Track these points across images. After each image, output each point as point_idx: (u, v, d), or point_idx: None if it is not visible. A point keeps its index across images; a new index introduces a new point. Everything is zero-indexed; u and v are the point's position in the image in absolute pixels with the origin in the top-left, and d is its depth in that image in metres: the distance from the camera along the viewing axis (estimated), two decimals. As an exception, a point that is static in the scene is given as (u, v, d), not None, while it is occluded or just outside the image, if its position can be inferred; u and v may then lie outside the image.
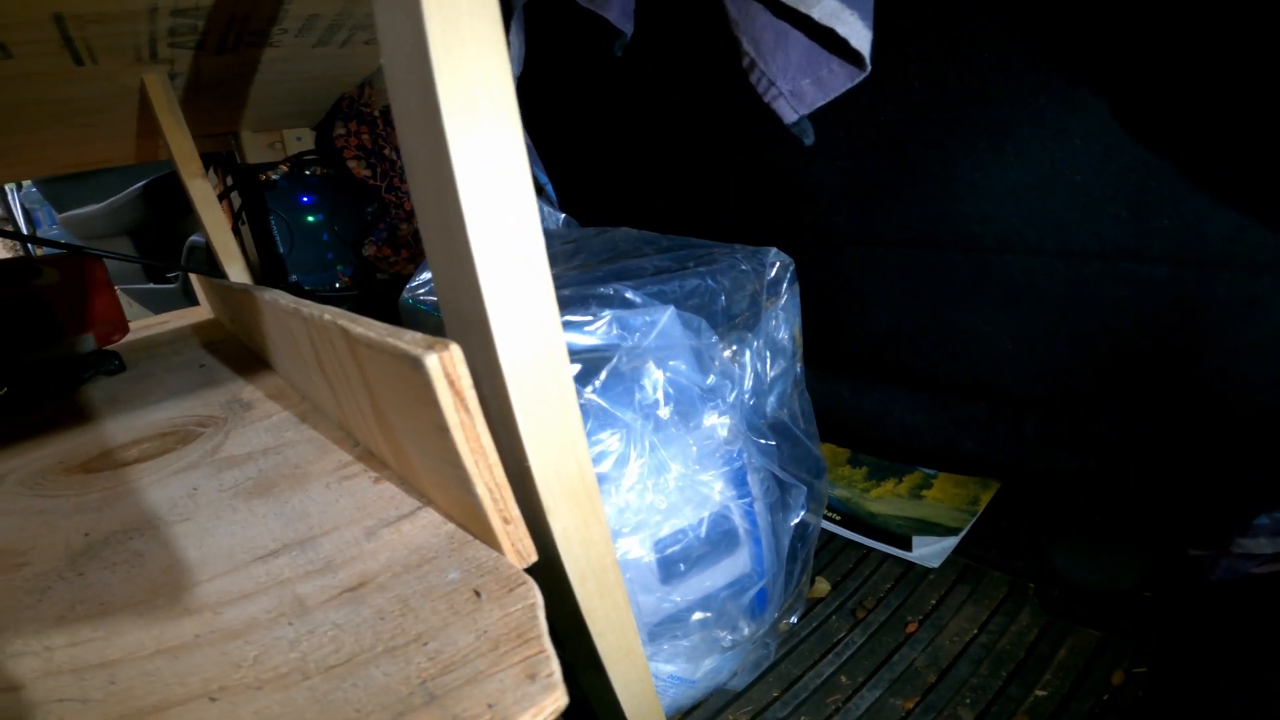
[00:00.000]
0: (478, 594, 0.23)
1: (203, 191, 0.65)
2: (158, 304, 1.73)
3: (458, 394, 0.21)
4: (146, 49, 0.55)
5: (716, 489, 0.43)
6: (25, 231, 2.47)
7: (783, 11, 0.41)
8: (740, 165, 0.64)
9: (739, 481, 0.44)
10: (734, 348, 0.45)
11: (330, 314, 0.29)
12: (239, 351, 0.67)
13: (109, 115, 0.74)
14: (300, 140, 1.04)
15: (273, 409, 0.45)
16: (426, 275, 0.56)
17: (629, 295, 0.41)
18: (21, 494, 0.37)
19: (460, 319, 0.26)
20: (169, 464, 0.38)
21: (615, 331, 0.40)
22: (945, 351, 0.61)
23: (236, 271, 0.69)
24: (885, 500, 0.69)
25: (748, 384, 0.45)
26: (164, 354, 0.72)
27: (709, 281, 0.44)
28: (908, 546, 0.62)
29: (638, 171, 0.75)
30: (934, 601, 0.56)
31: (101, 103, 0.69)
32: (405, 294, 0.54)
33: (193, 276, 1.06)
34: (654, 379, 0.40)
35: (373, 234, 0.93)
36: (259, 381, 0.53)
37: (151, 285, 1.68)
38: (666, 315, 0.40)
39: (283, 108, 0.90)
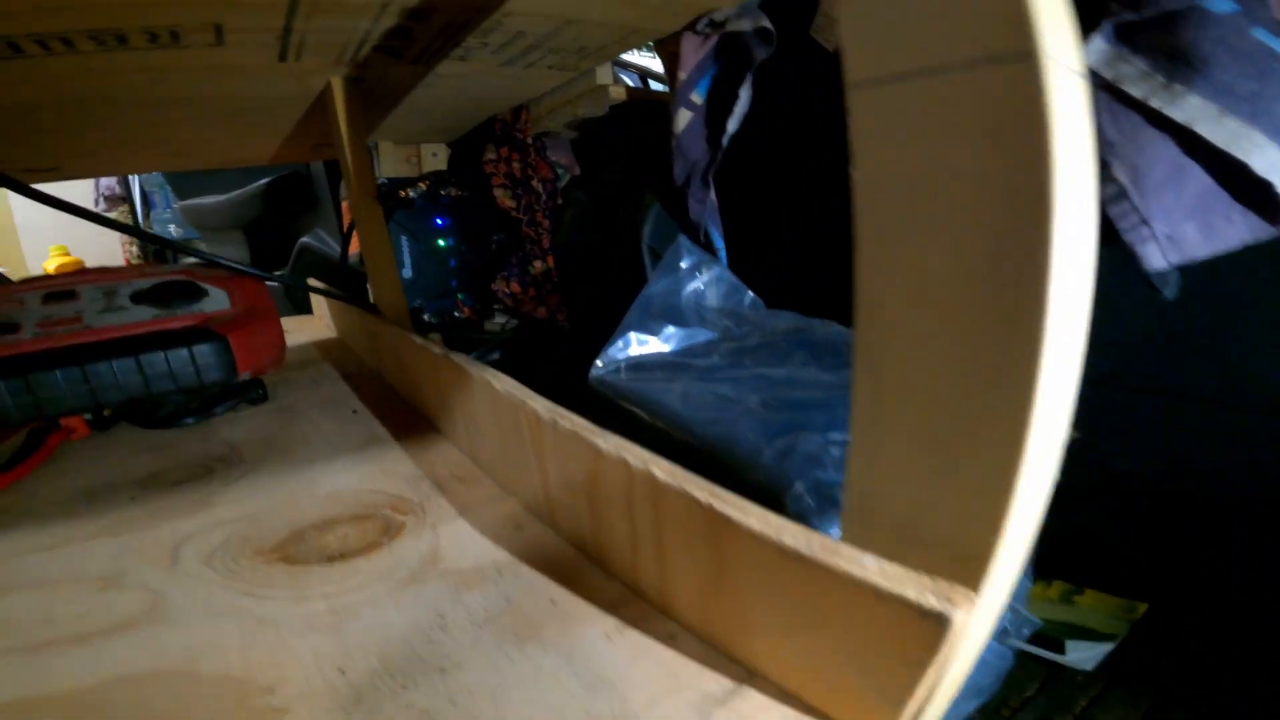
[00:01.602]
0: None
1: (372, 215, 0.61)
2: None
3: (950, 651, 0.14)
4: (352, 49, 0.51)
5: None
6: (140, 211, 2.58)
7: (1197, 148, 0.34)
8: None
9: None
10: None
11: (665, 472, 0.24)
12: (383, 392, 0.63)
13: (277, 115, 0.72)
14: (436, 157, 1.02)
15: (470, 497, 0.40)
16: (638, 352, 0.50)
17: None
18: (216, 582, 0.31)
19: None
20: (386, 570, 0.32)
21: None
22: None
23: (386, 305, 0.64)
24: (1036, 604, 0.66)
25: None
26: (301, 382, 0.68)
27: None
28: (1060, 649, 0.59)
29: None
30: (1084, 703, 0.54)
31: (277, 103, 0.66)
32: (600, 371, 0.47)
33: (317, 291, 1.03)
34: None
35: (505, 269, 0.89)
36: (432, 449, 0.48)
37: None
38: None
39: (432, 123, 0.88)
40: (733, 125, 0.53)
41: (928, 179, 0.17)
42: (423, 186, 0.91)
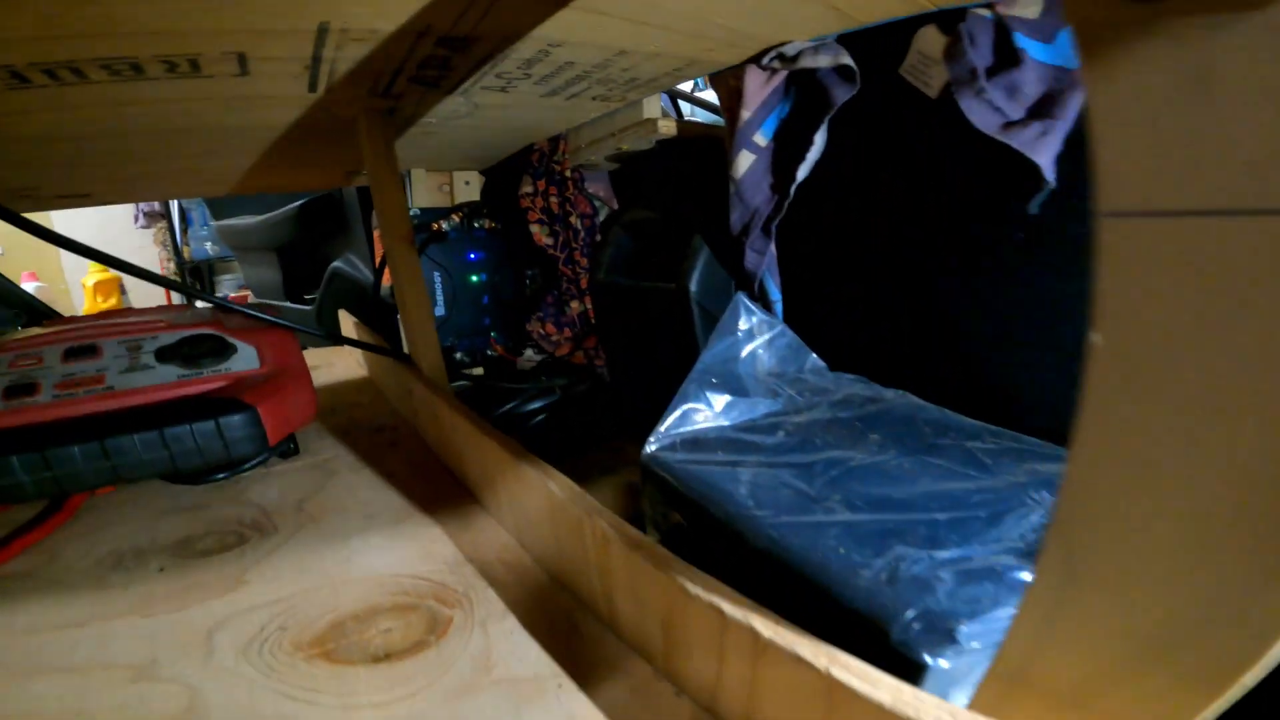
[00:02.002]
0: None
1: (407, 260, 0.56)
2: (292, 322, 1.73)
3: None
4: (387, 79, 0.47)
5: None
6: (178, 228, 2.62)
7: None
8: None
9: None
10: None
11: (770, 628, 0.22)
12: (418, 450, 0.58)
13: (310, 145, 0.68)
14: (469, 184, 0.98)
15: (520, 589, 0.36)
16: (695, 426, 0.44)
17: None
18: (255, 680, 0.29)
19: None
20: (436, 675, 0.30)
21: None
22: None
23: (420, 356, 0.59)
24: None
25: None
26: (333, 431, 0.64)
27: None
28: None
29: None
30: None
31: (309, 133, 0.63)
32: (655, 448, 0.42)
33: (353, 325, 1.00)
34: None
35: (540, 308, 0.84)
36: (474, 526, 0.44)
37: (289, 304, 1.69)
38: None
39: (467, 151, 0.84)
40: (803, 172, 0.47)
41: (1195, 343, 0.14)
42: (456, 218, 0.88)
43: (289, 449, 0.60)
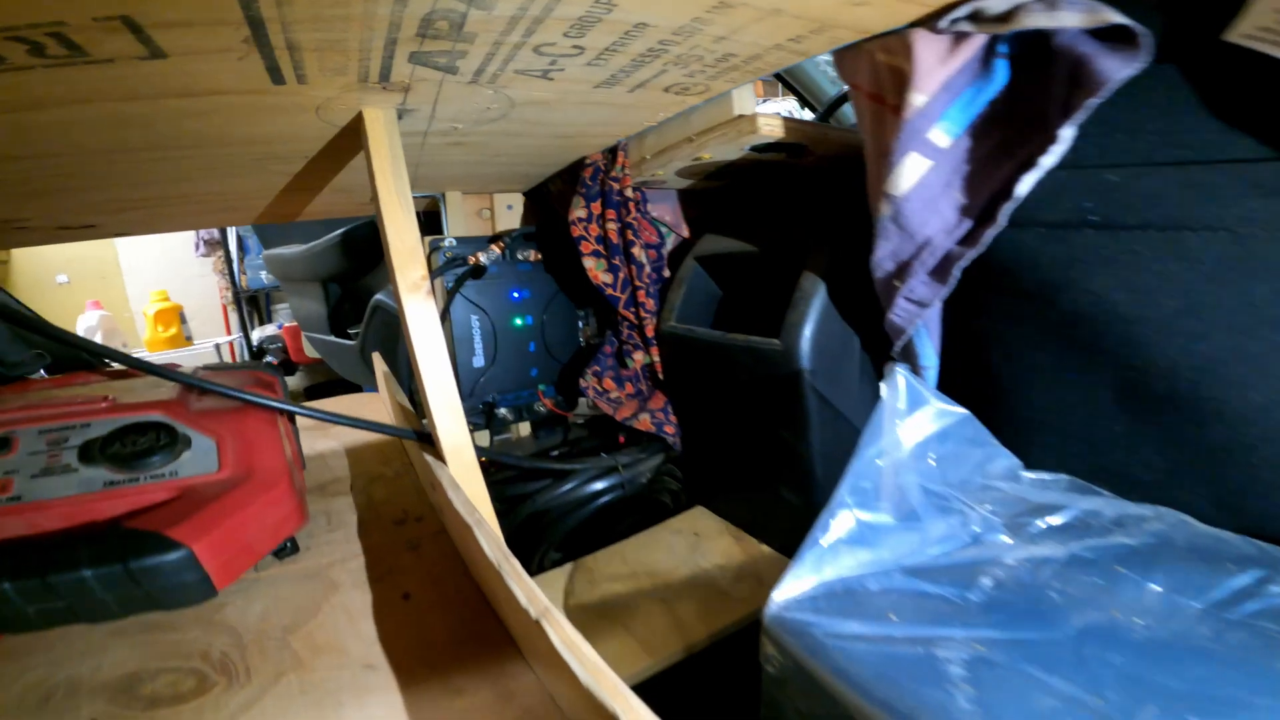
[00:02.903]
0: None
1: (422, 314, 0.41)
2: (337, 358, 1.64)
3: None
4: (378, 61, 0.32)
5: None
6: (235, 257, 2.61)
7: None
8: None
9: None
10: None
11: None
12: (447, 564, 0.46)
13: (315, 162, 0.55)
14: (511, 209, 0.84)
15: None
16: (843, 570, 0.28)
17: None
18: None
19: None
20: None
21: None
22: None
23: (442, 435, 0.44)
24: None
25: None
26: (343, 522, 0.52)
27: None
28: None
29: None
30: None
31: (306, 144, 0.50)
32: (785, 605, 0.26)
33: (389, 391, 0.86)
34: None
35: (596, 359, 0.68)
36: (510, 675, 0.33)
37: (334, 339, 1.60)
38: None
39: (507, 167, 0.69)
40: (1026, 185, 0.29)
41: None
42: (496, 250, 0.73)
43: (285, 548, 0.48)
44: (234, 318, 2.73)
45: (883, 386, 0.32)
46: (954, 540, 0.32)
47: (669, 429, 0.62)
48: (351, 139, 0.47)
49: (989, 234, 0.30)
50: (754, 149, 0.50)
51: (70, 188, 0.57)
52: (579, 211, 0.66)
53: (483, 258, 0.72)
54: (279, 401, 0.41)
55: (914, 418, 0.33)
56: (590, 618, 0.51)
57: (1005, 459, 0.36)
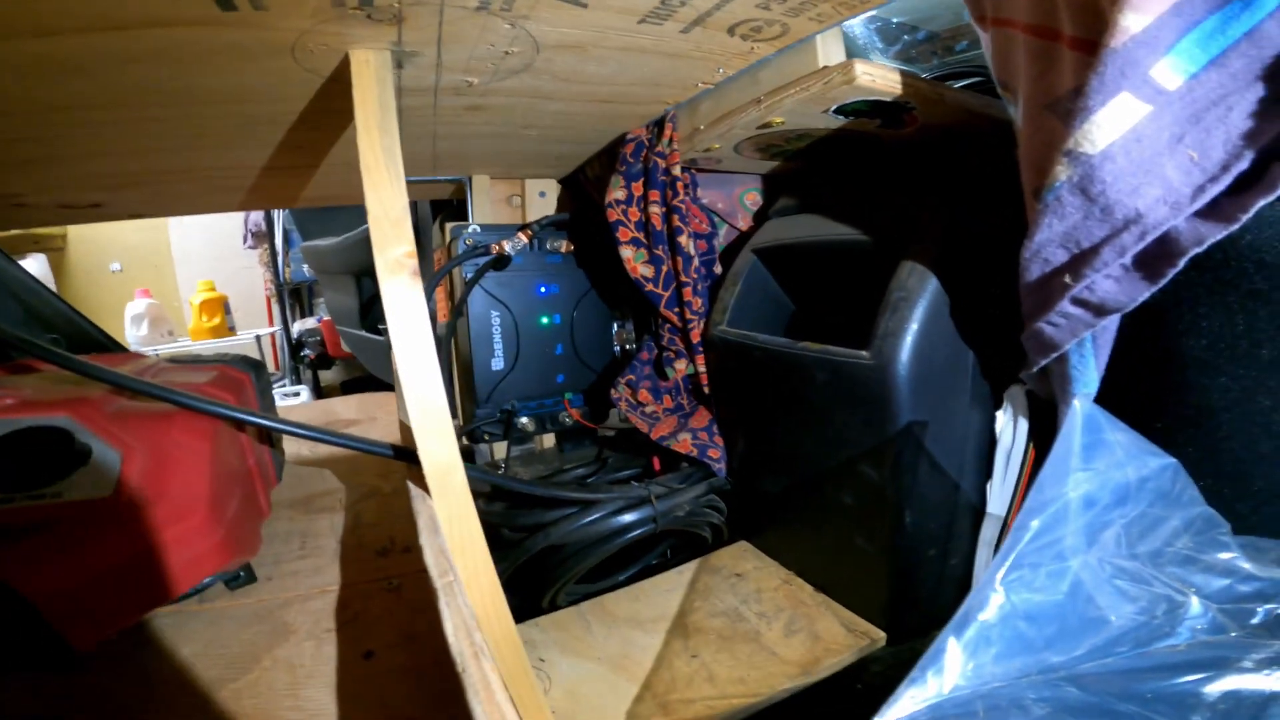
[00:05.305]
0: None
1: (406, 300, 0.32)
2: (368, 354, 1.60)
3: None
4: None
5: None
6: (280, 249, 2.61)
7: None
8: None
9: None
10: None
11: None
12: (428, 620, 0.40)
13: (313, 127, 0.47)
14: (544, 197, 0.75)
15: None
16: (984, 683, 0.17)
17: None
18: None
19: None
20: None
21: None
22: None
23: (426, 457, 0.35)
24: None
25: None
26: (319, 545, 0.45)
27: None
28: None
29: None
30: None
31: (288, 102, 0.41)
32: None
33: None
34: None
35: (630, 367, 0.58)
36: None
37: (365, 333, 1.55)
38: None
39: (538, 146, 0.60)
40: None
41: None
42: (523, 239, 0.64)
43: (239, 577, 0.41)
44: (276, 310, 2.73)
45: (1062, 421, 0.22)
46: (1152, 635, 0.21)
47: (713, 452, 0.52)
48: (345, 95, 0.39)
49: (1257, 203, 0.19)
50: (842, 110, 0.40)
51: (53, 156, 0.51)
52: (617, 193, 0.56)
53: (507, 246, 0.63)
54: (218, 405, 0.32)
55: (1098, 465, 0.22)
56: (603, 670, 0.41)
57: (1213, 524, 0.25)
